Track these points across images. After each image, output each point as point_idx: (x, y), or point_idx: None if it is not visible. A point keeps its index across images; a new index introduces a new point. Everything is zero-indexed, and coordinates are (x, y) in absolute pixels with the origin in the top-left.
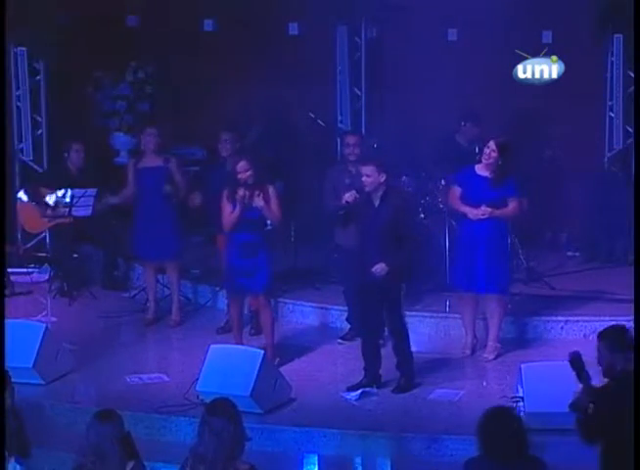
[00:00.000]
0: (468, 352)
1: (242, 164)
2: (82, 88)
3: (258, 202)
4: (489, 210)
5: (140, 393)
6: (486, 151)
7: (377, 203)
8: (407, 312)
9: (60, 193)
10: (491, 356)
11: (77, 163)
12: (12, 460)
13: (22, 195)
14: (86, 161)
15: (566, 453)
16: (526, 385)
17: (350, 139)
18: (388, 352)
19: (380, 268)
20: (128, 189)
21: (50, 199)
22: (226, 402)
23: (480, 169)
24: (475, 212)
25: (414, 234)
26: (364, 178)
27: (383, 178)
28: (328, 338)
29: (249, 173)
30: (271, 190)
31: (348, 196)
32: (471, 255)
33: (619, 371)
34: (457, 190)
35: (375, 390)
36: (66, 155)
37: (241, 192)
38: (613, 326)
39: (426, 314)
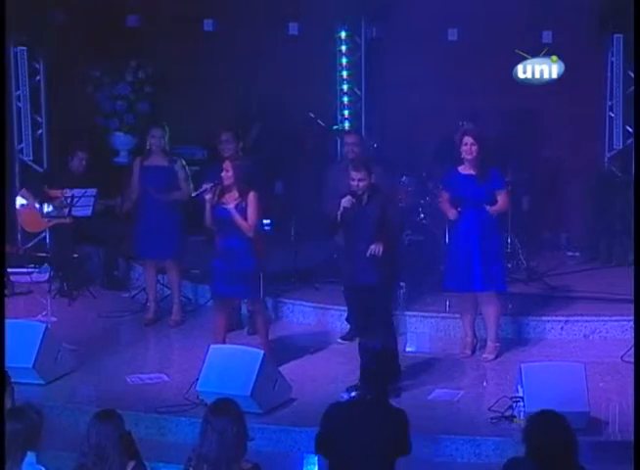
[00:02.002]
0: (468, 352)
1: (226, 164)
2: (82, 88)
3: (227, 203)
4: (457, 212)
5: (140, 393)
6: (465, 148)
7: (364, 202)
8: (407, 312)
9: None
10: (491, 356)
11: (79, 168)
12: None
13: (21, 200)
14: (88, 162)
15: None
16: (526, 385)
17: (350, 138)
18: None
19: (375, 249)
20: (134, 188)
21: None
22: (229, 403)
23: (464, 169)
24: (452, 213)
25: (396, 227)
26: (356, 182)
27: (372, 180)
28: (328, 338)
29: (229, 174)
30: (251, 196)
31: (346, 201)
32: (465, 255)
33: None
34: (445, 194)
35: None
36: (69, 158)
37: (204, 186)
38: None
39: (426, 314)
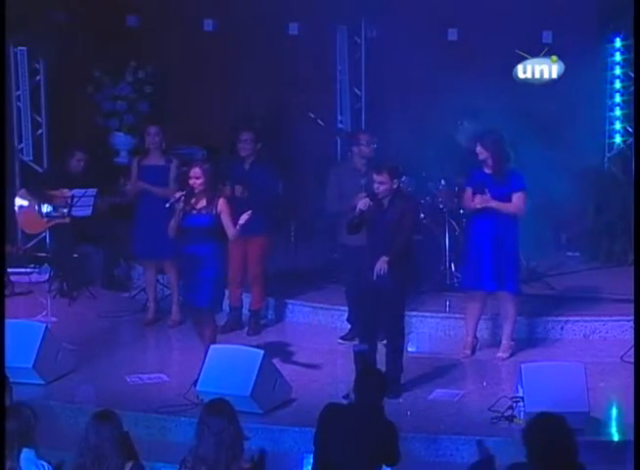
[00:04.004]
0: (468, 352)
1: (195, 171)
2: (82, 88)
3: (201, 207)
4: (485, 198)
5: (140, 393)
6: (479, 156)
7: (385, 205)
8: (407, 312)
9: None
10: (506, 355)
11: (78, 168)
12: (25, 450)
13: (20, 200)
14: (86, 162)
15: None
16: (526, 385)
17: (365, 137)
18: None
19: (380, 267)
20: (131, 186)
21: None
22: (223, 403)
23: (487, 169)
24: (474, 202)
25: (412, 235)
26: (377, 185)
27: (395, 185)
28: (328, 338)
29: (199, 182)
30: (222, 203)
31: (363, 204)
32: (477, 254)
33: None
34: (469, 191)
35: None
36: (68, 158)
37: (176, 195)
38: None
39: (426, 314)
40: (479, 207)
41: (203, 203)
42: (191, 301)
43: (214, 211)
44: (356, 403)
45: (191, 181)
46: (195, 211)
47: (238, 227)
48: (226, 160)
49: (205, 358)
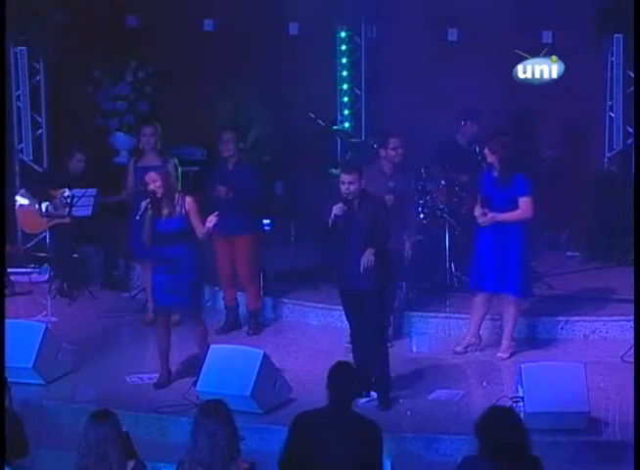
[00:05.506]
0: (459, 348)
1: (150, 175)
2: (82, 88)
3: (168, 211)
4: (490, 216)
5: (140, 393)
6: (487, 158)
7: (355, 208)
8: (407, 312)
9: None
10: (506, 355)
11: (78, 170)
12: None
13: (20, 199)
14: (86, 162)
15: (566, 453)
16: (526, 385)
17: (395, 142)
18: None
19: (366, 261)
20: (129, 189)
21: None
22: (219, 404)
23: (494, 172)
24: (480, 220)
25: (385, 237)
26: (347, 186)
27: (363, 185)
28: (328, 338)
29: (158, 184)
30: (189, 201)
31: (337, 209)
32: (482, 255)
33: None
34: (478, 195)
35: (374, 394)
36: (68, 159)
37: (143, 204)
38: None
39: (426, 314)
40: (485, 224)
41: (167, 207)
42: (170, 303)
43: (183, 212)
44: (330, 403)
45: (150, 187)
46: (164, 217)
47: (205, 230)
48: None
49: (204, 358)
